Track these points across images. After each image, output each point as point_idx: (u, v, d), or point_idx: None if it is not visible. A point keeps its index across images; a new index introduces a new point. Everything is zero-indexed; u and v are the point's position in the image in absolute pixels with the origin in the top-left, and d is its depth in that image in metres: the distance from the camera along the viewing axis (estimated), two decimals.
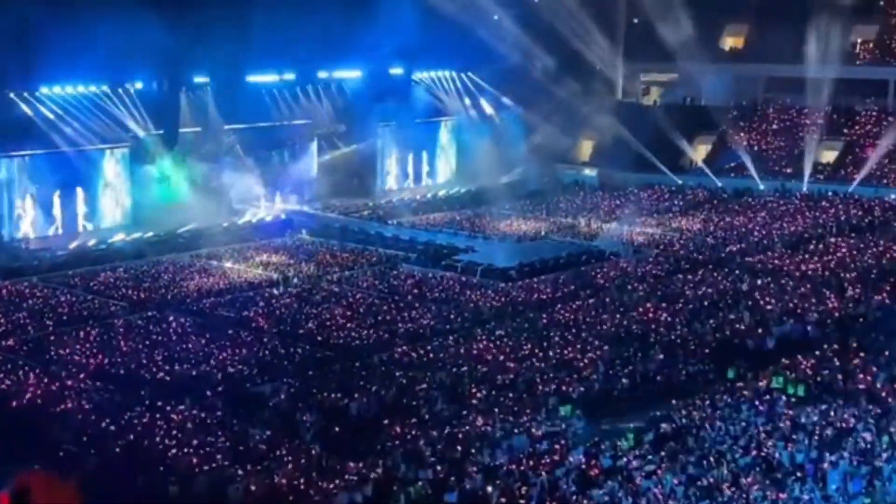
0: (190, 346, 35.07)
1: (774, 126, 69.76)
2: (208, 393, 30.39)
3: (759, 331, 36.48)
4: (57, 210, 53.08)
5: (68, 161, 53.35)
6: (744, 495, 22.67)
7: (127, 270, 46.41)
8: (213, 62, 57.01)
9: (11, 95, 52.00)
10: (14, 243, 50.25)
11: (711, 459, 24.70)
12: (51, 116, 53.10)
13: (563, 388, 30.82)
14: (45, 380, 31.38)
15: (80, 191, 53.97)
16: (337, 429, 27.94)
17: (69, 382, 31.29)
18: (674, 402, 29.54)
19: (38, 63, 49.87)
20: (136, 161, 56.17)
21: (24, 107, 52.51)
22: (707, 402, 29.22)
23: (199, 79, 58.64)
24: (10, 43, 48.66)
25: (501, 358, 33.63)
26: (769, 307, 39.11)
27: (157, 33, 49.65)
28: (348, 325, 37.72)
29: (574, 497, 23.04)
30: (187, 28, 51.68)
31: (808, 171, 64.85)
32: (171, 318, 38.65)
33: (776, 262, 47.04)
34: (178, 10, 51.94)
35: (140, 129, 56.22)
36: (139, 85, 56.52)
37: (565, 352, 34.08)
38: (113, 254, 49.94)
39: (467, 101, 70.37)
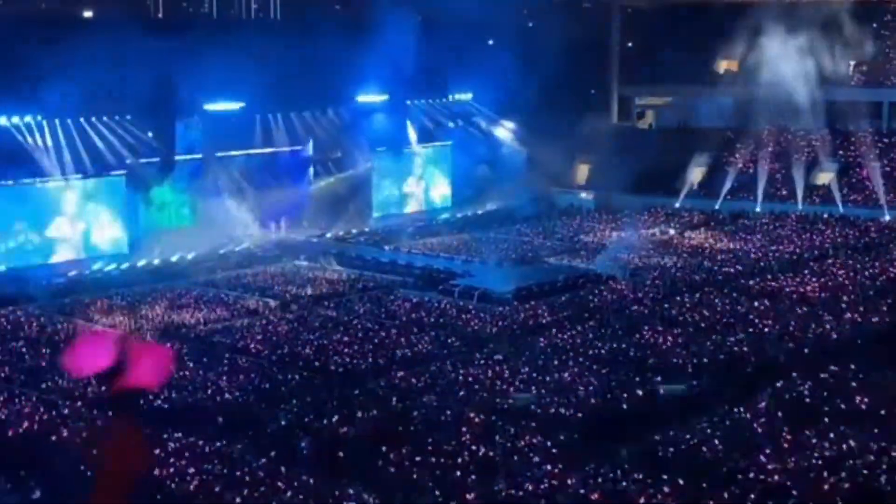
0: (187, 373, 34.95)
1: (769, 149, 69.85)
2: (205, 421, 30.28)
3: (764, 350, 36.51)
4: (53, 238, 52.93)
5: (63, 189, 53.34)
6: None
7: (123, 298, 46.30)
8: (211, 89, 57.04)
9: (4, 123, 51.97)
10: (10, 272, 50.08)
11: (711, 482, 24.61)
12: (46, 144, 53.05)
13: (562, 411, 30.72)
14: (42, 408, 31.26)
15: (75, 219, 53.82)
16: (334, 455, 27.81)
17: (66, 411, 31.16)
18: (671, 426, 29.46)
19: (31, 91, 49.89)
20: (133, 189, 56.08)
21: (17, 135, 52.45)
22: (706, 425, 29.14)
23: (196, 106, 58.62)
24: (4, 69, 48.71)
25: (499, 382, 33.54)
26: (766, 329, 39.08)
27: (153, 60, 49.74)
28: (346, 350, 37.63)
29: None
30: (183, 55, 51.77)
31: (803, 193, 64.98)
32: (168, 346, 38.49)
33: (773, 283, 47.04)
34: (175, 37, 52.09)
35: (136, 157, 56.18)
36: (135, 112, 56.47)
37: (563, 375, 33.99)
38: (109, 282, 49.83)
39: (462, 126, 70.44)
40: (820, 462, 25.85)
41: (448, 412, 30.78)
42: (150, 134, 57.12)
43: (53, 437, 28.50)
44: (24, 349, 38.04)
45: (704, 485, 24.45)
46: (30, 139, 52.84)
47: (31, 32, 51.62)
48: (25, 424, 29.88)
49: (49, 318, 42.86)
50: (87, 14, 67.21)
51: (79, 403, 32.09)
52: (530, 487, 25.06)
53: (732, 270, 50.07)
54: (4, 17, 67.19)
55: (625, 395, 32.29)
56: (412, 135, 68.50)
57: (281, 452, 27.84)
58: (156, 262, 53.16)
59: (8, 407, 31.48)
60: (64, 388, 33.44)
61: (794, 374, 33.60)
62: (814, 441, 27.29)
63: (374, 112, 65.56)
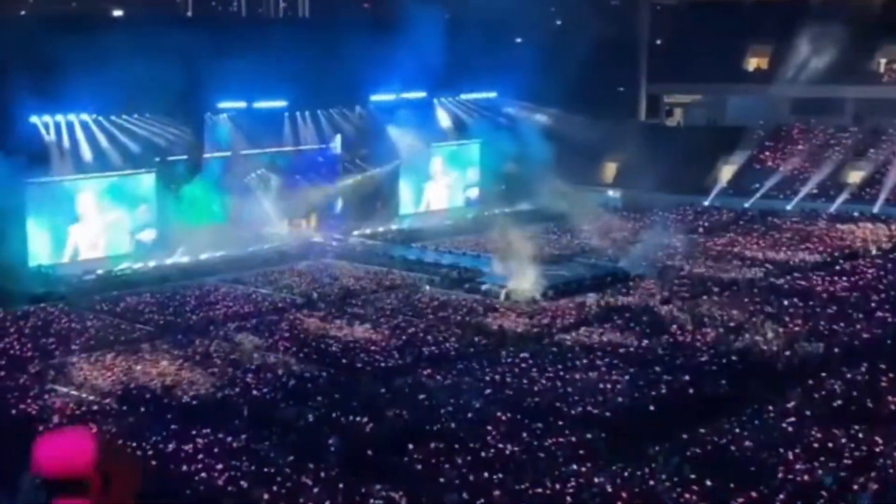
0: (216, 369, 35.11)
1: (800, 147, 69.46)
2: (232, 418, 30.42)
3: (788, 352, 36.23)
4: (81, 235, 53.20)
5: (93, 186, 53.65)
6: None
7: (153, 295, 46.53)
8: (239, 87, 57.21)
9: (35, 121, 52.29)
10: (40, 269, 50.41)
11: (739, 482, 24.49)
12: (75, 142, 53.33)
13: (589, 410, 30.67)
14: (71, 405, 31.48)
15: (105, 216, 54.04)
16: (361, 452, 27.86)
17: (95, 407, 31.37)
18: (700, 425, 29.33)
19: (61, 89, 50.15)
20: (163, 186, 56.25)
21: (46, 133, 52.73)
22: (735, 424, 29.01)
23: (225, 103, 58.84)
24: (34, 69, 49.04)
25: (526, 381, 33.51)
26: (796, 328, 38.85)
27: (182, 58, 49.91)
28: (372, 347, 37.69)
29: None
30: (212, 53, 51.94)
31: (834, 191, 64.56)
32: (196, 342, 38.69)
33: (803, 282, 46.74)
34: (203, 35, 52.27)
35: (165, 155, 56.38)
36: (165, 110, 56.68)
37: (591, 374, 33.93)
38: (139, 278, 50.15)
39: (490, 123, 70.25)
40: (849, 462, 25.71)
41: (474, 410, 30.77)
42: (179, 131, 57.31)
43: None
44: (54, 345, 38.31)
45: (732, 485, 24.33)
46: (59, 137, 53.08)
47: (61, 31, 51.84)
48: (55, 420, 30.09)
49: (79, 315, 43.13)
50: (117, 13, 67.62)
51: (108, 399, 32.34)
52: (557, 486, 25.02)
53: (761, 269, 49.79)
54: (35, 16, 67.72)
55: (653, 394, 32.18)
56: (441, 132, 68.38)
57: (308, 449, 27.91)
58: (185, 259, 53.43)
59: (38, 402, 31.73)
60: (94, 385, 33.69)
61: (824, 374, 33.43)
62: (843, 441, 27.13)
63: (401, 109, 65.54)
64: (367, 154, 65.96)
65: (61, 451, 4.93)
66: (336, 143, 64.62)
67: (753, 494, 23.80)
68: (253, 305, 44.72)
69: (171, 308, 44.05)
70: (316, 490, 24.93)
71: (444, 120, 69.02)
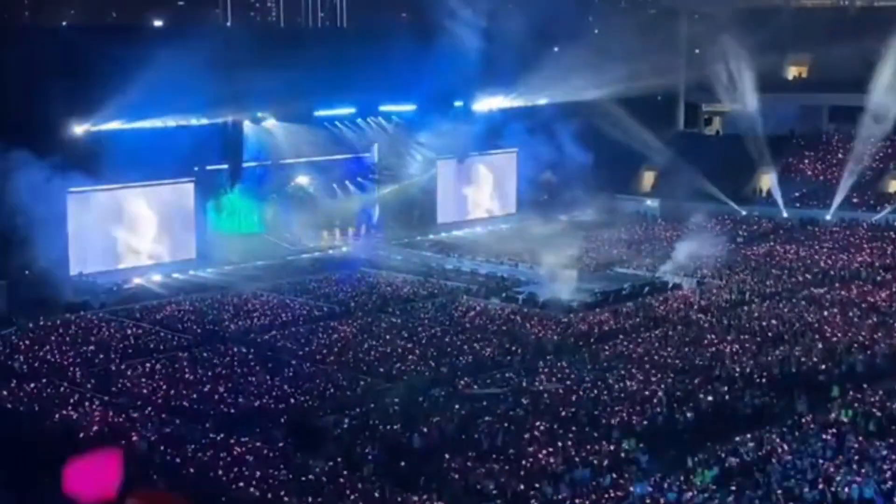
0: (253, 378, 35.26)
1: (840, 155, 68.87)
2: (270, 426, 30.50)
3: (826, 365, 35.90)
4: (122, 244, 53.56)
5: (133, 196, 53.99)
6: None
7: (191, 304, 46.78)
8: (277, 96, 57.49)
9: (76, 131, 52.73)
10: (81, 278, 50.82)
11: (779, 494, 24.30)
12: (116, 151, 53.65)
13: (627, 420, 30.54)
14: (111, 412, 31.71)
15: (145, 225, 54.37)
16: (398, 461, 27.86)
17: (134, 415, 31.58)
18: (739, 436, 29.13)
19: (102, 98, 50.59)
20: (202, 196, 56.52)
21: (89, 142, 53.11)
22: (774, 436, 28.78)
23: (263, 113, 59.14)
24: (75, 79, 49.51)
25: (563, 390, 33.40)
26: (836, 339, 38.49)
27: (221, 67, 50.26)
28: (410, 357, 37.70)
29: None
30: (251, 62, 52.24)
31: (874, 200, 63.93)
32: (235, 351, 38.86)
33: (843, 293, 46.31)
34: (242, 44, 52.60)
35: (205, 164, 56.65)
36: (204, 120, 57.05)
37: (628, 384, 33.78)
38: (178, 288, 50.41)
39: (527, 132, 70.08)
40: (890, 473, 25.46)
41: (512, 419, 30.70)
42: (218, 141, 57.63)
43: (122, 441, 28.82)
44: (94, 353, 38.60)
45: (771, 497, 24.13)
46: (99, 146, 53.39)
47: (102, 41, 52.35)
48: (95, 428, 30.32)
49: (119, 323, 43.45)
50: (157, 23, 68.22)
51: (148, 408, 32.52)
52: (594, 496, 24.93)
53: (801, 279, 49.40)
54: (76, 27, 68.45)
55: (690, 404, 31.98)
56: (478, 141, 68.23)
57: (346, 458, 27.93)
58: (225, 268, 53.62)
59: (78, 410, 31.98)
60: (133, 393, 33.91)
61: (865, 385, 33.11)
62: (884, 453, 26.86)
63: (438, 118, 65.53)
64: (405, 163, 66.04)
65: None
66: (373, 153, 64.80)
67: None
68: (290, 314, 44.86)
69: (210, 316, 44.28)
70: (352, 498, 24.95)
71: (481, 128, 68.85)
